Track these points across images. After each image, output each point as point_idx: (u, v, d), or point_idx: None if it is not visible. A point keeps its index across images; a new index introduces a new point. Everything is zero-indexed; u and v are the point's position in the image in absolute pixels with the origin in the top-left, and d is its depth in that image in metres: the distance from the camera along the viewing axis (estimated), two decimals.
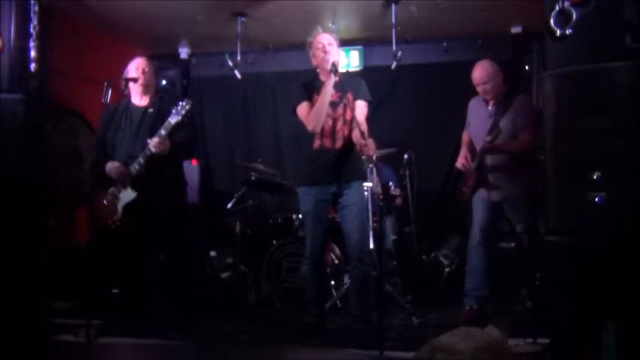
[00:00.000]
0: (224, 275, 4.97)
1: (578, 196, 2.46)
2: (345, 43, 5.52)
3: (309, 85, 3.58)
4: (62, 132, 4.66)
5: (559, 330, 2.56)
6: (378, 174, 3.48)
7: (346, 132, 3.48)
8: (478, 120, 4.00)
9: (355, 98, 3.51)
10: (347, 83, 3.51)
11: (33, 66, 3.26)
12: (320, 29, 3.63)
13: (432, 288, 4.77)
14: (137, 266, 3.78)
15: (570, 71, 2.52)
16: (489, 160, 3.88)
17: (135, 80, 3.68)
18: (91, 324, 3.24)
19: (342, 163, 3.46)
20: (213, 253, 5.12)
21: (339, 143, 3.47)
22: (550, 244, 2.58)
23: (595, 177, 2.43)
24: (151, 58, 5.74)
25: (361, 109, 3.50)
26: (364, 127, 3.37)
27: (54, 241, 4.00)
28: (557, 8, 2.52)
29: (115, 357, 3.40)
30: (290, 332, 3.63)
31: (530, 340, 3.05)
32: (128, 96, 3.78)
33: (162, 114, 3.67)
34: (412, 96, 5.68)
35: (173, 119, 3.52)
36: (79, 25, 4.99)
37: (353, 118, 3.39)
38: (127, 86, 3.67)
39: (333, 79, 3.39)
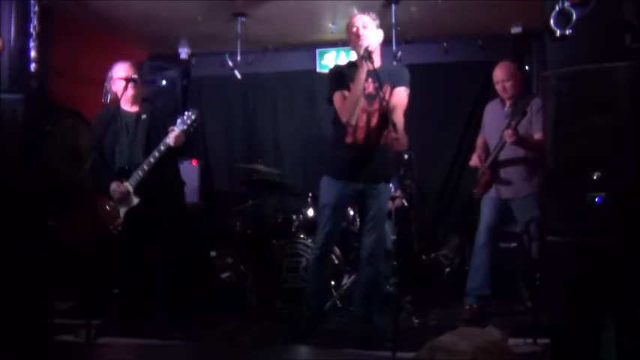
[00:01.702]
0: (224, 275, 4.96)
1: (578, 196, 2.46)
2: (345, 43, 5.55)
3: (342, 73, 3.36)
4: (62, 132, 4.66)
5: (559, 330, 2.56)
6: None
7: (382, 128, 3.28)
8: (494, 121, 4.02)
9: (394, 86, 3.27)
10: (386, 73, 3.25)
11: (33, 66, 3.26)
12: (356, 10, 3.35)
13: (432, 288, 4.77)
14: (138, 267, 3.78)
15: (570, 71, 2.53)
16: (503, 156, 3.90)
17: (135, 80, 3.67)
18: (91, 324, 3.24)
19: (373, 161, 3.30)
20: (213, 253, 5.11)
21: (372, 139, 3.30)
22: (550, 244, 2.58)
23: (595, 177, 2.43)
24: (151, 58, 5.79)
25: (400, 96, 3.27)
26: (400, 117, 3.17)
27: (54, 241, 3.99)
28: (557, 8, 2.52)
29: (115, 357, 3.40)
30: (288, 329, 3.63)
31: (530, 340, 3.05)
32: (117, 101, 3.72)
33: (155, 119, 3.68)
34: (412, 96, 5.66)
35: (178, 128, 3.51)
36: (78, 25, 4.98)
37: (387, 110, 3.13)
38: (126, 87, 3.64)
39: (366, 66, 3.14)
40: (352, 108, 3.22)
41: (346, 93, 3.28)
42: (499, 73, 3.95)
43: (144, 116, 3.73)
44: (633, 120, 2.40)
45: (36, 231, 3.28)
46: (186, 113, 3.56)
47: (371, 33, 3.25)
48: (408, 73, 3.36)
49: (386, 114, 3.15)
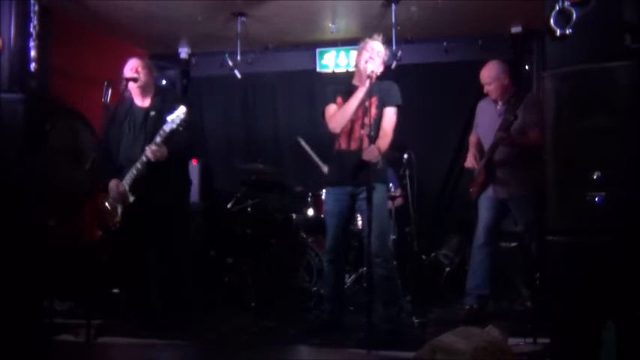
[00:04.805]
0: (224, 275, 4.96)
1: (578, 196, 2.46)
2: (345, 43, 5.57)
3: (337, 89, 3.65)
4: (62, 132, 4.66)
5: (559, 330, 2.56)
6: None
7: (364, 134, 3.47)
8: (487, 120, 4.01)
9: (384, 104, 3.52)
10: (376, 87, 3.46)
11: (33, 66, 3.26)
12: (376, 36, 3.59)
13: (432, 288, 4.77)
14: (137, 266, 3.78)
15: (570, 71, 2.52)
16: (498, 156, 3.89)
17: (135, 80, 3.68)
18: (91, 324, 3.24)
19: (358, 165, 3.41)
20: (213, 253, 5.11)
21: (354, 145, 3.50)
22: (550, 244, 2.58)
23: (595, 177, 2.43)
24: (151, 58, 5.78)
25: (389, 117, 3.53)
26: (386, 138, 3.46)
27: (54, 241, 3.99)
28: (557, 8, 2.52)
29: (115, 357, 3.40)
30: (300, 329, 3.73)
31: (530, 340, 3.05)
32: (130, 97, 3.79)
33: (163, 117, 3.63)
34: (412, 96, 5.66)
35: (168, 127, 3.48)
36: (79, 25, 4.98)
37: (372, 121, 3.43)
38: (126, 87, 3.66)
39: (366, 87, 3.40)
40: (341, 119, 3.47)
41: (334, 107, 3.55)
42: (484, 76, 3.94)
43: (152, 113, 3.73)
44: (633, 120, 2.40)
45: (36, 231, 3.28)
46: (173, 111, 3.49)
47: (380, 61, 3.51)
48: (397, 90, 3.60)
49: (370, 125, 3.42)
